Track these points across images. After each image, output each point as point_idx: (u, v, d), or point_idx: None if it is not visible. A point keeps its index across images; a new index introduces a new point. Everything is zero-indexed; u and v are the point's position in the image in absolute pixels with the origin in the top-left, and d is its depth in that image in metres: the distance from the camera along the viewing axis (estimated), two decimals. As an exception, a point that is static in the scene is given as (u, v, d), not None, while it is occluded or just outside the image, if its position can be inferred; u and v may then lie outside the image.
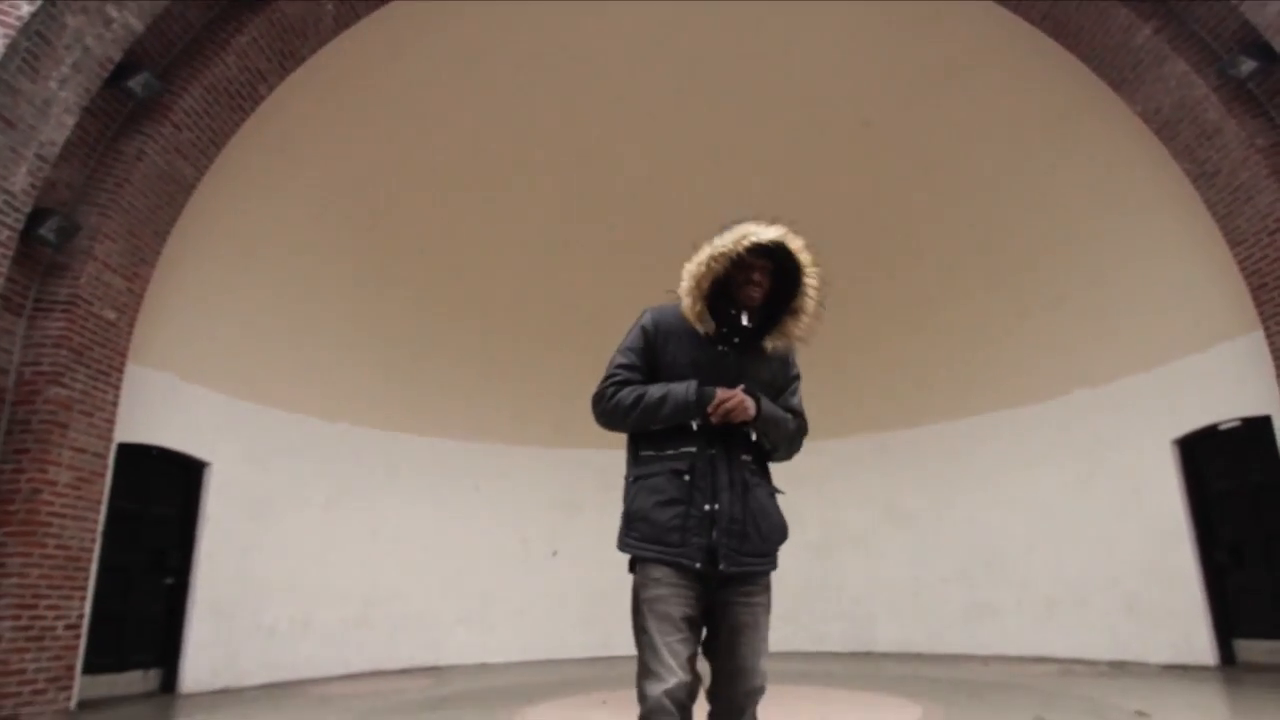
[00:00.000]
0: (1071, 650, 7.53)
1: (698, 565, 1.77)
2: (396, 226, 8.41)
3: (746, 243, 1.88)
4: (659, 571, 1.80)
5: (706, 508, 1.80)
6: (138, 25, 6.08)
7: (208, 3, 6.30)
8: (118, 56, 6.04)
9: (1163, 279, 7.08)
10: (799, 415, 2.08)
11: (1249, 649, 6.50)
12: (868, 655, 8.75)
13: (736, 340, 1.96)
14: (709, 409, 1.84)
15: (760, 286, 1.94)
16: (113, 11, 6.01)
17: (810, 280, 1.95)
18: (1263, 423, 6.38)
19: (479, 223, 8.79)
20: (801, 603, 8.73)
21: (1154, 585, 7.00)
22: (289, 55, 6.67)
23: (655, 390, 1.90)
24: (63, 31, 5.97)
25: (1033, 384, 8.17)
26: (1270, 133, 6.20)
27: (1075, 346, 7.80)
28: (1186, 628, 6.72)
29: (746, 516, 1.83)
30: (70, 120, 6.02)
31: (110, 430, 6.13)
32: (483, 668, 8.47)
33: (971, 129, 7.89)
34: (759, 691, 1.83)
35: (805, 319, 1.97)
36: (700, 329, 1.94)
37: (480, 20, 7.42)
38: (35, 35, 5.75)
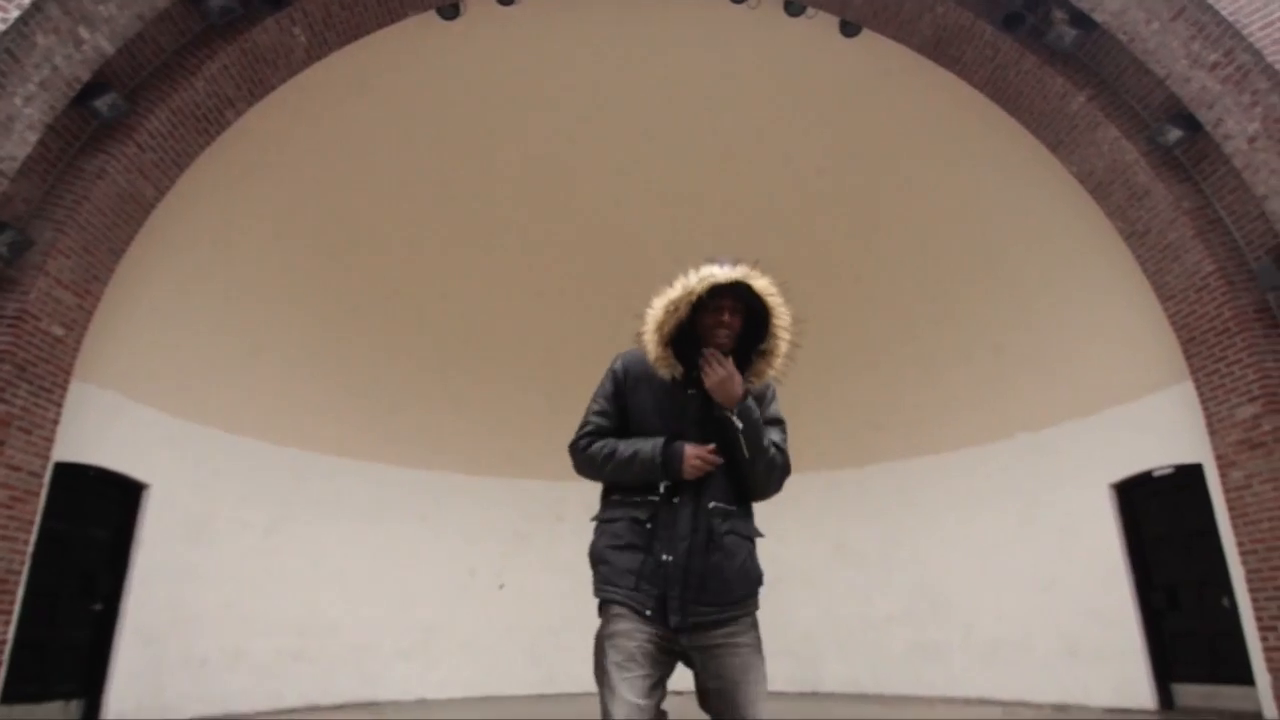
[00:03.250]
0: (1015, 692, 7.57)
1: (647, 612, 1.76)
2: (353, 254, 8.47)
3: (704, 285, 1.83)
4: (618, 610, 1.79)
5: (664, 558, 1.78)
6: (108, 47, 6.16)
7: (180, 28, 6.41)
8: (86, 77, 6.09)
9: (1099, 330, 7.39)
10: (779, 451, 1.99)
11: (1186, 693, 6.61)
12: (814, 695, 8.69)
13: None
14: (681, 469, 1.81)
15: (728, 329, 1.88)
16: (84, 33, 6.09)
17: (779, 321, 1.89)
18: (1195, 470, 6.62)
19: (436, 253, 8.89)
20: None
21: (1094, 628, 7.11)
22: (258, 83, 6.78)
23: (625, 449, 1.88)
24: (32, 50, 6.02)
25: (976, 427, 8.39)
26: (1195, 196, 6.60)
27: (1016, 392, 8.07)
28: (1126, 671, 6.82)
29: (707, 568, 1.78)
30: (33, 137, 6.03)
31: (49, 449, 5.99)
32: (423, 703, 8.23)
33: (918, 183, 8.26)
34: None
35: (777, 360, 1.92)
36: (665, 374, 1.90)
37: (447, 60, 7.64)
38: (4, 53, 5.80)
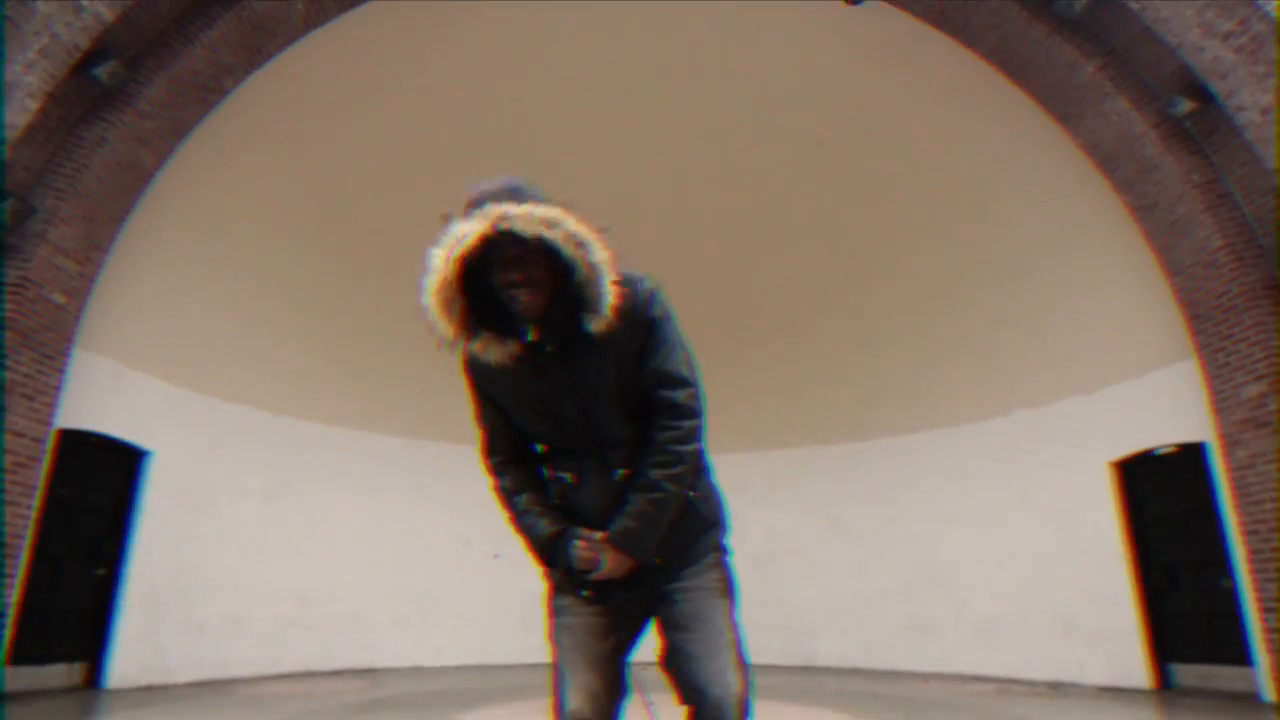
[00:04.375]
0: (1009, 669, 7.55)
1: (584, 593, 1.58)
2: (352, 223, 8.48)
3: (453, 269, 1.39)
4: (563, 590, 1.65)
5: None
6: (108, 15, 6.16)
7: (180, -2, 6.39)
8: (86, 45, 6.10)
9: (1101, 305, 7.28)
10: (678, 384, 1.53)
11: (1183, 673, 6.56)
12: (808, 669, 8.70)
13: (548, 347, 1.50)
14: (573, 565, 1.55)
15: (527, 289, 1.43)
16: (85, 2, 6.10)
17: (571, 244, 1.39)
18: (1196, 449, 6.53)
19: (434, 222, 8.86)
20: (742, 613, 8.65)
21: (1091, 606, 7.07)
22: (257, 51, 6.77)
23: (521, 520, 1.64)
24: (32, 17, 6.05)
25: (975, 403, 8.32)
26: (1205, 170, 6.45)
27: (1016, 368, 7.99)
28: (1123, 650, 6.78)
29: None
30: (34, 105, 6.05)
31: (50, 415, 6.06)
32: (418, 671, 8.33)
33: (922, 157, 8.13)
34: (729, 702, 1.44)
35: (596, 288, 1.41)
36: (497, 359, 1.50)
37: (446, 29, 7.58)
38: (5, 20, 5.82)
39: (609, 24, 7.76)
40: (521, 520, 1.64)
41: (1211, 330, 6.38)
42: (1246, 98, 6.04)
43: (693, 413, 1.54)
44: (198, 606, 7.17)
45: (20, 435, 5.85)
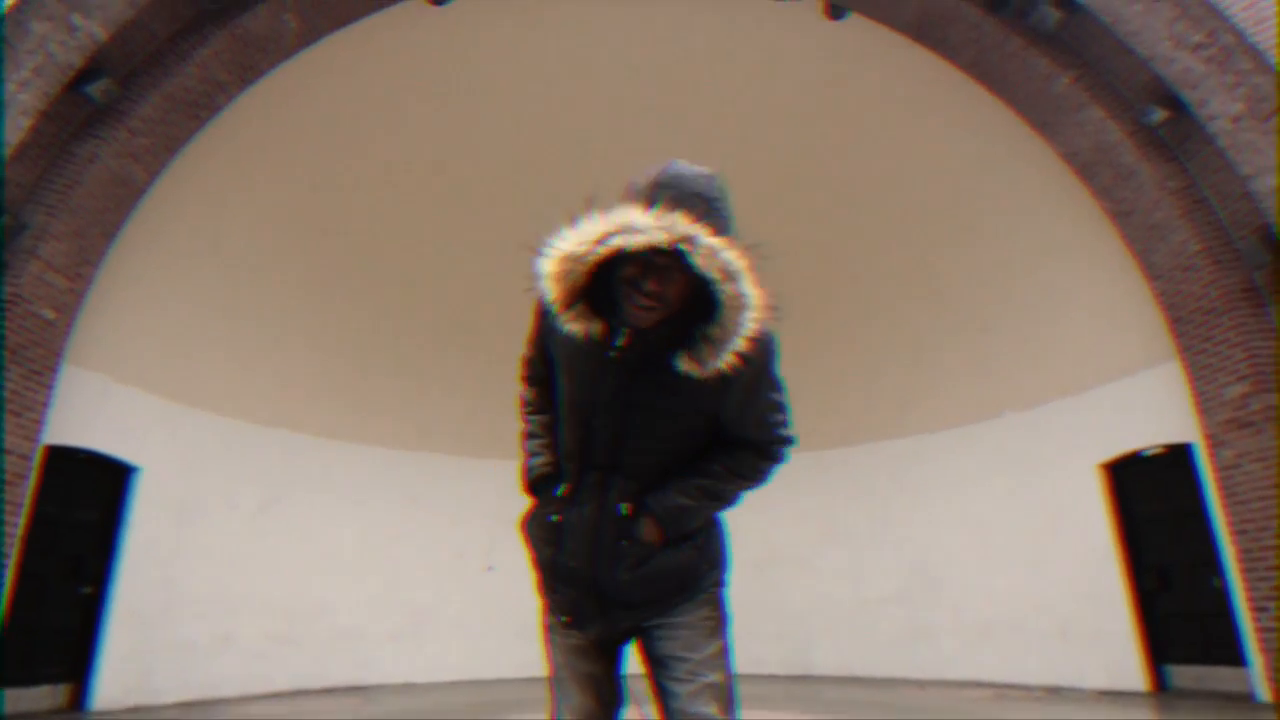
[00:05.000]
0: (1007, 675, 7.53)
1: (564, 619, 1.47)
2: (342, 238, 8.52)
3: (599, 255, 1.25)
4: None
5: (571, 565, 1.43)
6: (102, 34, 6.23)
7: (173, 14, 6.48)
8: (80, 64, 6.16)
9: (1086, 309, 7.40)
10: (755, 448, 1.47)
11: (1180, 674, 6.57)
12: (805, 678, 8.64)
13: (630, 355, 1.39)
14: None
15: (651, 302, 1.31)
16: (78, 20, 6.16)
17: (733, 305, 1.26)
18: (1184, 449, 6.60)
19: (424, 235, 8.94)
20: (739, 623, 8.49)
21: (1086, 609, 7.08)
22: (250, 68, 6.85)
23: (526, 442, 1.61)
24: (27, 37, 6.10)
25: (965, 406, 8.39)
26: (1181, 176, 6.62)
27: (1004, 371, 8.08)
28: (1119, 653, 6.78)
29: (617, 581, 1.40)
30: (27, 122, 6.09)
31: (38, 431, 6.01)
32: (412, 687, 8.20)
33: (909, 162, 8.29)
34: None
35: (722, 353, 1.30)
36: (579, 333, 1.38)
37: (436, 45, 7.71)
38: (2, 42, 5.87)
39: (604, 37, 7.91)
40: (528, 441, 1.61)
41: (1192, 333, 6.50)
42: (1217, 106, 6.22)
43: (775, 463, 1.52)
44: (186, 624, 7.05)
45: (8, 452, 5.78)
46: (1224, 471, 6.20)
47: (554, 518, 1.46)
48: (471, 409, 9.23)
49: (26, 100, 6.09)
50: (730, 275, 1.25)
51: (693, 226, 1.24)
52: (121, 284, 6.77)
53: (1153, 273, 6.79)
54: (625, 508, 1.41)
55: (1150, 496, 6.93)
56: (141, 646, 6.66)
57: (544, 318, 1.53)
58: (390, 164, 8.40)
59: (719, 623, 1.47)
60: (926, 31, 7.21)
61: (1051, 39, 6.82)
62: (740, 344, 1.30)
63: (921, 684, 7.77)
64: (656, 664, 1.44)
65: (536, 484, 1.56)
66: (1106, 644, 6.87)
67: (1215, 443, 6.27)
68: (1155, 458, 6.89)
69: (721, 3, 7.47)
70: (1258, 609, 5.90)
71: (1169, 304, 6.68)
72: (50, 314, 6.17)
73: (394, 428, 9.00)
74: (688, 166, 1.39)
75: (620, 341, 1.37)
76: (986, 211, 8.02)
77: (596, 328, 1.37)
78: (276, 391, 8.13)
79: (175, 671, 6.86)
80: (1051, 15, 6.57)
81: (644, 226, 1.23)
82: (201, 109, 6.79)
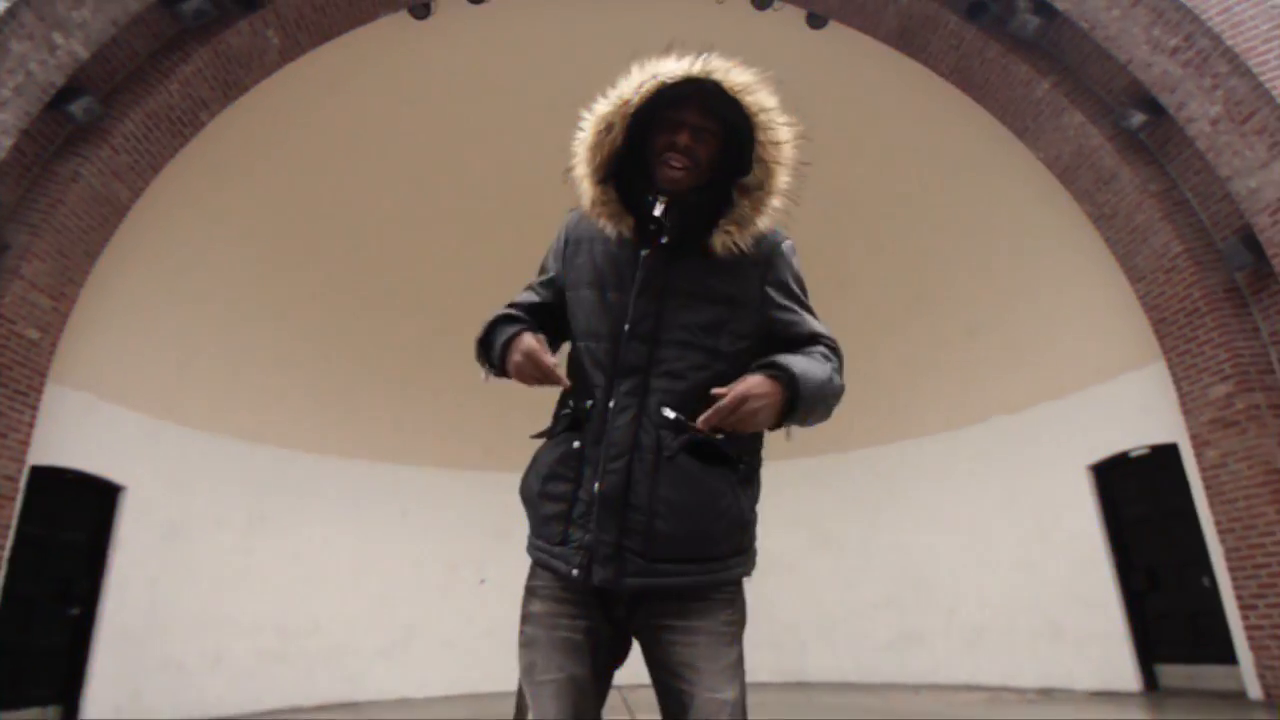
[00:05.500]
0: (999, 678, 7.55)
1: (574, 572, 1.24)
2: (327, 252, 8.50)
3: (646, 91, 1.26)
4: (540, 578, 1.33)
5: (594, 487, 1.25)
6: (83, 52, 6.21)
7: (154, 32, 6.47)
8: (60, 82, 6.14)
9: (1071, 312, 7.45)
10: (820, 342, 1.36)
11: (1170, 674, 6.60)
12: (800, 685, 8.64)
13: (665, 239, 1.31)
14: (505, 361, 1.35)
15: (688, 157, 1.30)
16: (58, 38, 6.14)
17: (768, 137, 1.26)
18: (1170, 450, 6.65)
19: (411, 249, 8.94)
20: None
21: (1077, 611, 7.11)
22: (232, 85, 6.84)
23: (495, 329, 1.44)
24: (6, 56, 6.08)
25: (953, 411, 8.43)
26: (1162, 179, 6.68)
27: (991, 376, 8.13)
28: (1110, 653, 6.81)
29: (654, 501, 1.22)
30: (8, 142, 6.06)
31: (24, 452, 5.97)
32: (405, 703, 8.16)
33: (892, 170, 8.35)
34: None
35: (770, 199, 1.29)
36: (610, 229, 1.35)
37: (419, 59, 7.72)
38: (-22, 59, 5.85)
39: (586, 49, 7.93)
40: (495, 329, 1.44)
41: (1175, 334, 6.55)
42: (1195, 109, 6.28)
43: (836, 372, 1.34)
44: (175, 644, 7.00)
45: (-8, 474, 5.75)
46: (1209, 471, 6.24)
47: (577, 444, 1.29)
48: (461, 421, 9.20)
49: (7, 119, 6.06)
50: (761, 108, 1.25)
51: (726, 62, 1.26)
52: (106, 303, 6.74)
53: (1135, 275, 6.84)
54: (669, 412, 1.25)
55: (1138, 497, 6.97)
56: (131, 666, 6.61)
57: (564, 241, 1.46)
58: (375, 177, 8.40)
59: (740, 626, 1.32)
60: (907, 39, 7.26)
61: (1030, 45, 6.88)
62: (777, 202, 1.28)
63: (915, 688, 7.78)
64: (668, 670, 1.26)
65: (497, 322, 1.44)
66: (1098, 645, 6.90)
67: (1200, 442, 6.32)
68: (1142, 458, 6.94)
69: (702, 13, 7.49)
70: (1246, 607, 5.95)
71: (1152, 305, 6.73)
72: (34, 334, 6.13)
73: (383, 441, 8.97)
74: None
75: (658, 213, 1.29)
76: (971, 218, 8.07)
77: (628, 223, 1.33)
78: (263, 407, 8.10)
79: (166, 691, 6.81)
80: (1030, 21, 6.63)
81: (677, 66, 1.26)
82: (184, 126, 6.77)
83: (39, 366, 6.15)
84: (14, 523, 5.86)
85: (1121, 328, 7.00)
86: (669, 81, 1.26)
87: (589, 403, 1.31)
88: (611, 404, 1.28)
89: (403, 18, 7.22)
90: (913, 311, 8.75)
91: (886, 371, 9.00)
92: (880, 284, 8.94)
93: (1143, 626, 6.78)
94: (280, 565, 7.98)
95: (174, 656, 6.96)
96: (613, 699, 1.48)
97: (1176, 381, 6.52)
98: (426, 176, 8.56)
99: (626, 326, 1.30)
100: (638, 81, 1.28)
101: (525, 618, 1.33)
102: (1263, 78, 5.87)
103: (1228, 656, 6.12)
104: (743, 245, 1.31)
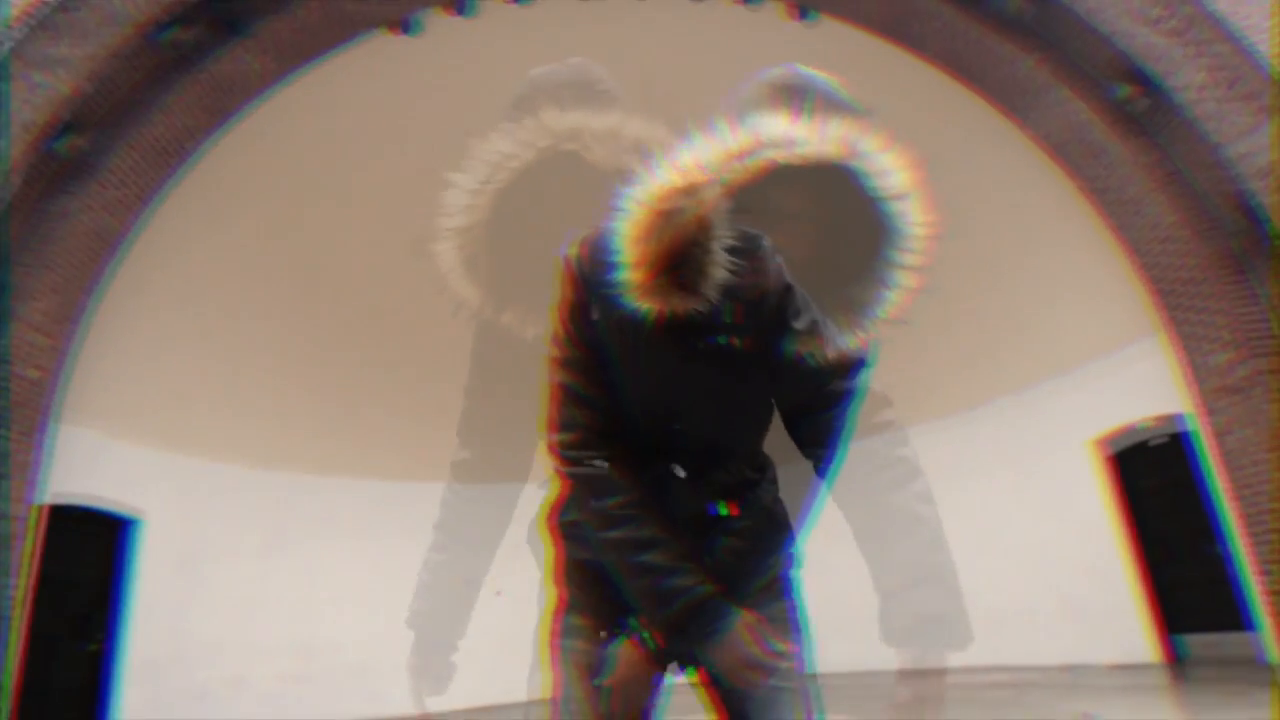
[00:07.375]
0: (1022, 658, 7.54)
1: (645, 635, 1.13)
2: (330, 274, 8.49)
3: (741, 175, 0.98)
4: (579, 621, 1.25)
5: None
6: (65, 89, 6.19)
7: (137, 65, 6.44)
8: (43, 120, 6.12)
9: (1072, 287, 7.44)
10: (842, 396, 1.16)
11: (1190, 643, 6.60)
12: (821, 676, 8.61)
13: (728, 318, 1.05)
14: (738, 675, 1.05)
15: None
16: (39, 77, 6.13)
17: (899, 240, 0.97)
18: (1178, 419, 6.64)
19: (412, 269, 8.90)
20: None
21: (1094, 587, 7.11)
22: (220, 111, 6.81)
23: (636, 554, 1.06)
24: (-10, 96, 6.07)
25: (962, 393, 8.41)
26: (1153, 150, 6.66)
27: (995, 355, 8.11)
28: (1129, 627, 6.82)
29: (716, 568, 1.13)
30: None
31: (31, 492, 5.96)
32: (425, 718, 8.14)
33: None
34: None
35: (872, 315, 1.07)
36: (671, 304, 1.02)
37: (409, 76, 7.70)
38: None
39: (571, 59, 7.92)
40: (634, 555, 1.06)
41: (1176, 303, 6.54)
42: (1183, 78, 6.27)
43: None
44: (197, 672, 7.02)
45: (1, 516, 5.73)
46: (1218, 438, 6.24)
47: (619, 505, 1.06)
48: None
49: (-5, 159, 6.05)
50: (902, 199, 0.98)
51: (864, 137, 0.98)
52: (109, 337, 6.73)
53: (1133, 247, 6.83)
54: (725, 507, 1.10)
55: (1149, 469, 6.97)
56: (156, 697, 6.62)
57: (584, 288, 1.08)
58: (372, 195, 8.38)
59: (796, 609, 1.20)
60: (894, 26, 7.23)
61: (1015, 23, 6.85)
62: (896, 302, 0.99)
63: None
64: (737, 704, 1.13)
65: (695, 608, 1.08)
66: (1117, 620, 6.90)
67: (1208, 410, 6.31)
68: (1151, 429, 6.94)
69: (687, 13, 7.48)
70: (1262, 572, 5.94)
71: (1151, 276, 6.72)
72: (34, 373, 6.11)
73: (394, 460, 8.96)
74: (813, 72, 1.06)
75: (728, 319, 1.00)
76: (969, 198, 8.04)
77: (677, 303, 0.98)
78: (273, 432, 8.10)
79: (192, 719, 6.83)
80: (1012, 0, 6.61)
81: (802, 137, 0.95)
82: (173, 155, 6.75)
83: (41, 405, 6.12)
84: (27, 561, 5.85)
85: (1122, 300, 6.99)
86: (816, 159, 0.95)
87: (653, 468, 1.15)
88: (675, 471, 1.15)
89: (388, 36, 7.18)
90: (916, 298, 8.72)
91: (892, 358, 8.91)
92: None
93: (1161, 598, 6.78)
94: (298, 587, 8.00)
95: (198, 684, 6.97)
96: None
97: (1180, 350, 6.51)
98: (422, 192, 8.54)
99: (674, 432, 1.16)
100: (731, 151, 0.96)
101: (561, 638, 1.25)
102: (1246, 42, 5.86)
103: (1245, 623, 6.12)
104: (827, 356, 1.14)
